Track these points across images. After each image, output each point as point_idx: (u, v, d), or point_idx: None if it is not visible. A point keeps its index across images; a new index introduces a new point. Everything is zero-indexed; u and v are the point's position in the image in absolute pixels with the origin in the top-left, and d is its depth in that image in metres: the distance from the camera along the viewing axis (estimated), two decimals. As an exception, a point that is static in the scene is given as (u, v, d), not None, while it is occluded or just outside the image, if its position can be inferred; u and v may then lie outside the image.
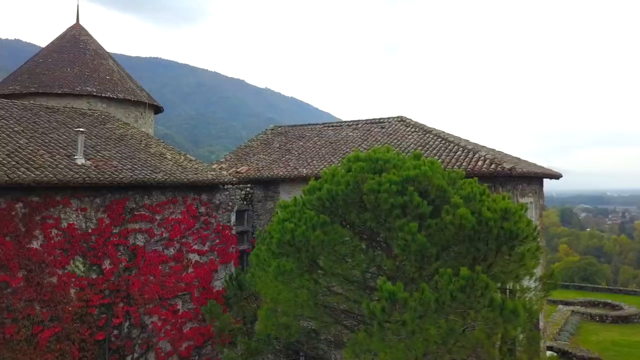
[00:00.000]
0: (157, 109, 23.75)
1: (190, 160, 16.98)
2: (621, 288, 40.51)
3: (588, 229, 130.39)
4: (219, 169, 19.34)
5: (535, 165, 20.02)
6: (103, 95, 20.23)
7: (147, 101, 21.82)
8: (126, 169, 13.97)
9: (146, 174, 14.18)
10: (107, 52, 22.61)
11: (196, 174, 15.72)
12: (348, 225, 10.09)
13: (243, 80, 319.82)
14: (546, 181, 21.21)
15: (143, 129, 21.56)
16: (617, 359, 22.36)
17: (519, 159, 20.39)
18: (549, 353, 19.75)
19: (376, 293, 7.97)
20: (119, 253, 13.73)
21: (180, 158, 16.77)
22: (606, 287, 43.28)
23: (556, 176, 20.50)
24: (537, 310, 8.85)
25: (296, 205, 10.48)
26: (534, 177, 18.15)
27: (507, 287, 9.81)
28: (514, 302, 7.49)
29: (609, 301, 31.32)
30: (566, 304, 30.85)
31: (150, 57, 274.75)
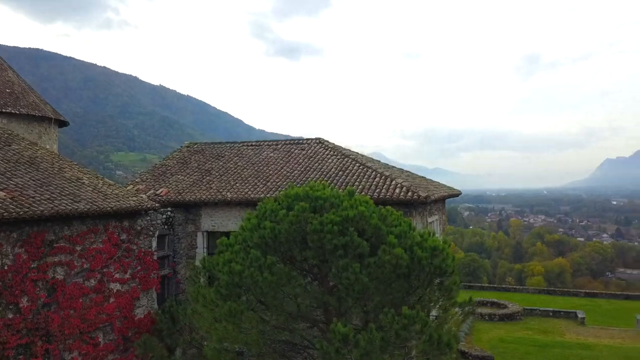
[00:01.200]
0: (62, 123, 22.39)
1: (110, 185, 16.39)
2: (504, 286, 45.05)
3: (471, 227, 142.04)
4: (136, 190, 18.81)
5: (440, 186, 21.90)
6: (3, 110, 18.69)
7: (52, 116, 20.53)
8: (45, 200, 13.24)
9: (67, 204, 13.54)
10: (6, 62, 20.90)
11: (118, 201, 15.25)
12: (289, 261, 10.62)
13: (136, 77, 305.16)
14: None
15: (47, 146, 20.28)
16: (505, 355, 25.03)
17: (424, 179, 22.18)
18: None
19: (329, 335, 8.60)
20: (38, 289, 12.98)
21: (98, 183, 16.13)
22: (489, 284, 47.85)
23: (457, 194, 22.58)
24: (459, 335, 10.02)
25: (237, 242, 10.80)
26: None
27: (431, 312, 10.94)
28: (448, 335, 8.52)
29: (496, 300, 34.69)
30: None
31: (30, 48, 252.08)
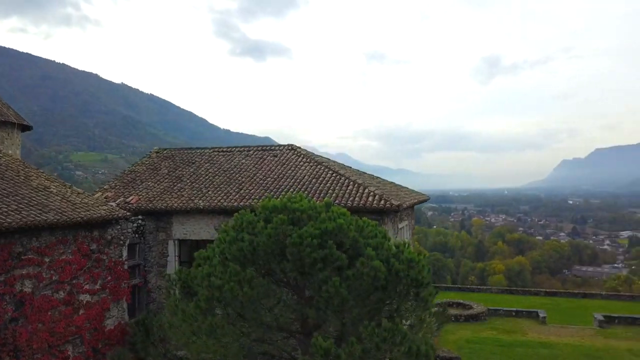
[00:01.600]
0: (25, 127, 21.70)
1: (79, 193, 16.02)
2: (468, 286, 46.12)
3: (435, 227, 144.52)
4: (105, 198, 18.44)
5: (409, 192, 22.29)
6: (-36, 115, 18.03)
7: (15, 121, 19.87)
8: (12, 211, 12.85)
9: (35, 215, 13.18)
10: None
11: (88, 211, 14.94)
12: (267, 274, 10.67)
13: (96, 74, 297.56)
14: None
15: (10, 152, 19.63)
16: (472, 355, 25.66)
17: (394, 184, 22.55)
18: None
19: (311, 349, 8.70)
20: (5, 303, 12.60)
21: (67, 192, 15.75)
22: (453, 285, 48.99)
23: (425, 200, 23.05)
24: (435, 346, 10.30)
25: (215, 255, 10.77)
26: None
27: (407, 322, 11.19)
28: (427, 347, 8.75)
29: (461, 301, 35.47)
30: (428, 306, 34.30)
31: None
